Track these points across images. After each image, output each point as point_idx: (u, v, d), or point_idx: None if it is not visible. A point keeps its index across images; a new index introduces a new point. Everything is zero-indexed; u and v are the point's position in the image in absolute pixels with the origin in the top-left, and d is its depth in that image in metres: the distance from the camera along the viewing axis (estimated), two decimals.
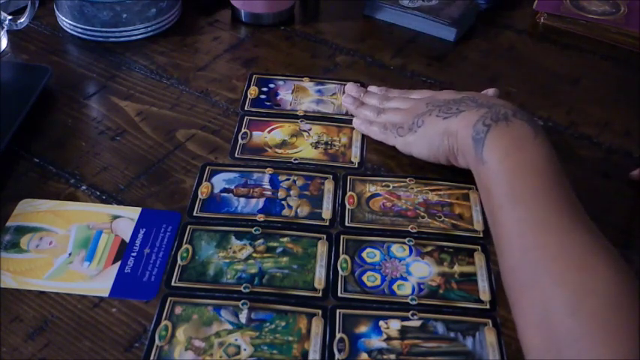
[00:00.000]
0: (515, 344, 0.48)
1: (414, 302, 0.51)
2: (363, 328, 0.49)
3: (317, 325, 0.49)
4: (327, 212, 0.58)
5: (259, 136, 0.65)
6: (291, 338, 0.48)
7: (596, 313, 0.40)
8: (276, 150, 0.64)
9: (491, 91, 0.64)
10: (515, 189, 0.49)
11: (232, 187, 0.60)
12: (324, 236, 0.55)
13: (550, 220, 0.46)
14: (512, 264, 0.47)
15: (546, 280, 0.43)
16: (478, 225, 0.57)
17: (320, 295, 0.51)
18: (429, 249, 0.55)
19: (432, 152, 0.59)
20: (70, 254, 0.53)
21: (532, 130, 0.52)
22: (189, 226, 0.56)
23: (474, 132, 0.53)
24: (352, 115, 0.67)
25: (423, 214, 0.58)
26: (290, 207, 0.58)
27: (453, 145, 0.56)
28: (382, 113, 0.64)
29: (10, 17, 0.75)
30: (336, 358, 0.47)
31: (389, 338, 0.48)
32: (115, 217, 0.56)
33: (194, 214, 0.57)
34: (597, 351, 0.38)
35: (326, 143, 0.65)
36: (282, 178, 0.61)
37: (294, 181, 0.60)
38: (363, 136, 0.66)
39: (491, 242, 0.55)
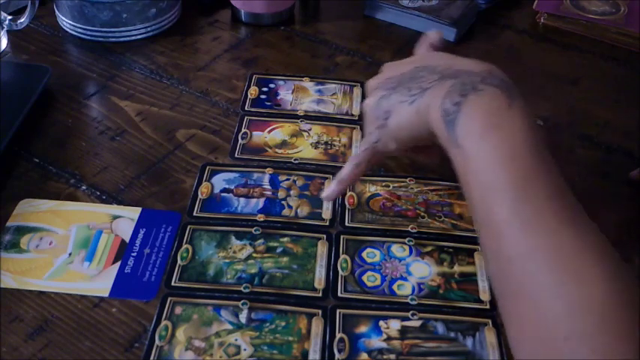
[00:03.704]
0: None
1: (414, 302, 0.51)
2: (363, 328, 0.49)
3: (317, 325, 0.49)
4: (327, 212, 0.58)
5: (259, 136, 0.65)
6: (291, 338, 0.48)
7: (593, 334, 0.37)
8: (276, 150, 0.64)
9: (433, 35, 0.58)
10: (494, 181, 0.43)
11: (232, 187, 0.60)
12: (324, 236, 0.55)
13: (537, 218, 0.41)
14: (498, 271, 0.43)
15: (536, 292, 0.40)
16: None
17: (320, 295, 0.51)
18: (429, 249, 0.55)
19: (415, 139, 0.52)
20: (70, 254, 0.53)
21: (505, 97, 0.45)
22: (189, 226, 0.56)
23: (444, 112, 0.46)
24: (353, 115, 0.67)
25: (423, 214, 0.58)
26: (290, 207, 0.58)
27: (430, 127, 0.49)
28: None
29: (10, 17, 0.75)
30: (336, 358, 0.47)
31: (389, 338, 0.48)
32: (115, 217, 0.56)
33: (194, 214, 0.57)
34: None
35: (326, 143, 0.65)
36: (282, 178, 0.61)
37: (294, 181, 0.60)
38: (363, 136, 0.65)
39: None
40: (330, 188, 0.56)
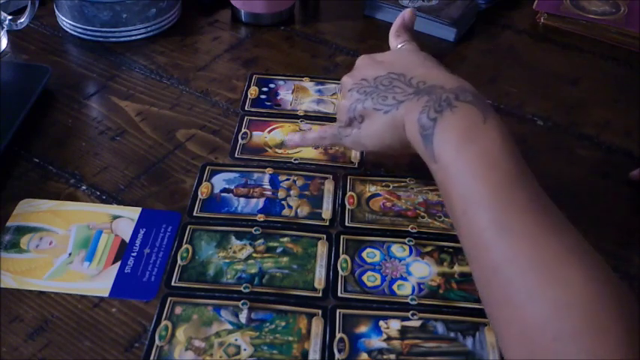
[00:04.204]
0: None
1: (414, 302, 0.51)
2: (363, 328, 0.49)
3: (317, 325, 0.49)
4: (327, 212, 0.58)
5: (259, 136, 0.65)
6: (291, 338, 0.48)
7: (581, 334, 0.38)
8: (276, 150, 0.64)
9: (406, 15, 0.61)
10: (474, 192, 0.44)
11: (232, 187, 0.60)
12: (324, 236, 0.55)
13: (518, 225, 0.42)
14: (483, 279, 0.44)
15: (521, 296, 0.40)
16: None
17: (320, 295, 0.51)
18: (429, 249, 0.55)
19: (385, 147, 0.55)
20: (70, 254, 0.53)
21: (480, 113, 0.47)
22: (189, 226, 0.56)
23: (421, 128, 0.48)
24: None
25: (423, 214, 0.58)
26: (290, 207, 0.58)
27: (406, 137, 0.52)
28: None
29: (10, 17, 0.75)
30: (336, 358, 0.47)
31: (389, 338, 0.48)
32: (115, 217, 0.56)
33: (194, 214, 0.57)
34: None
35: None
36: (282, 178, 0.61)
37: (294, 181, 0.60)
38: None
39: None
40: (295, 138, 0.63)
